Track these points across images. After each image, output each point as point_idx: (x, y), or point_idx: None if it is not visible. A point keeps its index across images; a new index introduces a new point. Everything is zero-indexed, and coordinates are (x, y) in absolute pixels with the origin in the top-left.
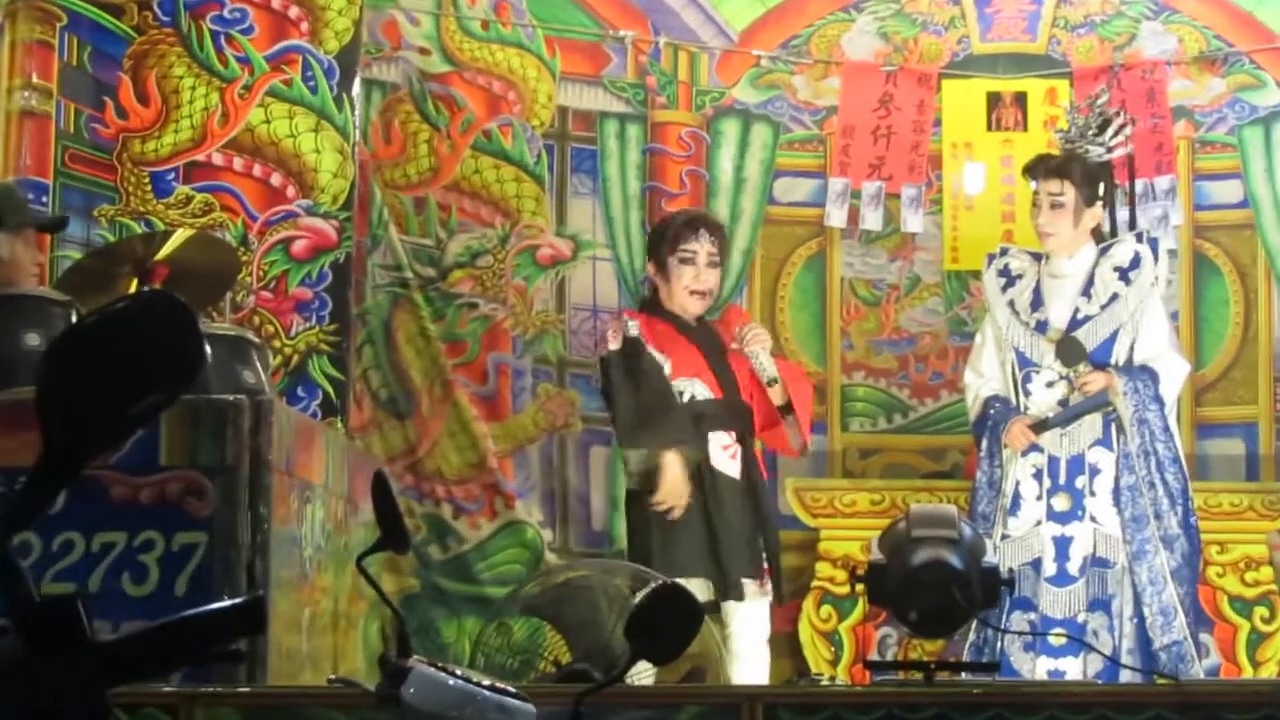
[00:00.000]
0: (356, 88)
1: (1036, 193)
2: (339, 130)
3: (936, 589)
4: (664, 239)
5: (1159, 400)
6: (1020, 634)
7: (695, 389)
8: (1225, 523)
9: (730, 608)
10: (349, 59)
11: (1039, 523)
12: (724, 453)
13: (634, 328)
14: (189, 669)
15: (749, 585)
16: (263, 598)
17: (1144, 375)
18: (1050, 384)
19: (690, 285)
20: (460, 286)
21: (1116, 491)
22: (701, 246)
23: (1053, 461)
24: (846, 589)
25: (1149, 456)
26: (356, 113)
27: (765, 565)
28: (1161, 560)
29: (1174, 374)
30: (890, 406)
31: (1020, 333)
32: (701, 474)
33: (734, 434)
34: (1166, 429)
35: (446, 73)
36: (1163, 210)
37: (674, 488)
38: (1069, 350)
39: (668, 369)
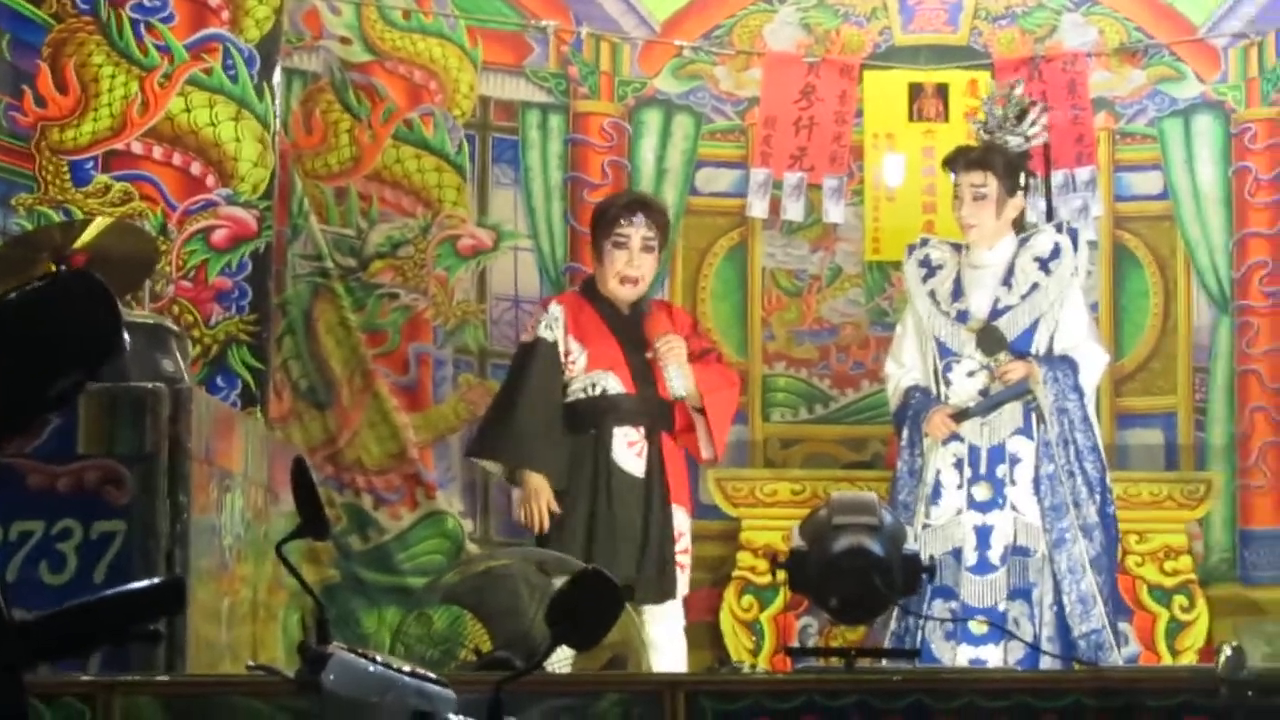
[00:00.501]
0: (277, 77)
1: (958, 185)
2: (259, 119)
3: (857, 576)
4: (601, 221)
5: (1078, 390)
6: (941, 621)
7: (608, 383)
8: (1145, 512)
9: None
10: (270, 48)
11: (960, 511)
12: (629, 449)
13: (557, 322)
14: (107, 654)
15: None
16: (181, 578)
17: (1064, 365)
18: (971, 373)
19: (621, 271)
20: (381, 277)
21: (1036, 480)
22: (636, 231)
23: (973, 451)
24: (768, 578)
25: (1068, 445)
26: (277, 102)
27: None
28: (1080, 549)
29: (1093, 364)
30: (811, 397)
31: (941, 322)
32: (598, 470)
33: (642, 429)
34: (1085, 418)
35: (368, 62)
36: (1083, 201)
37: (533, 509)
38: (989, 339)
39: (583, 361)
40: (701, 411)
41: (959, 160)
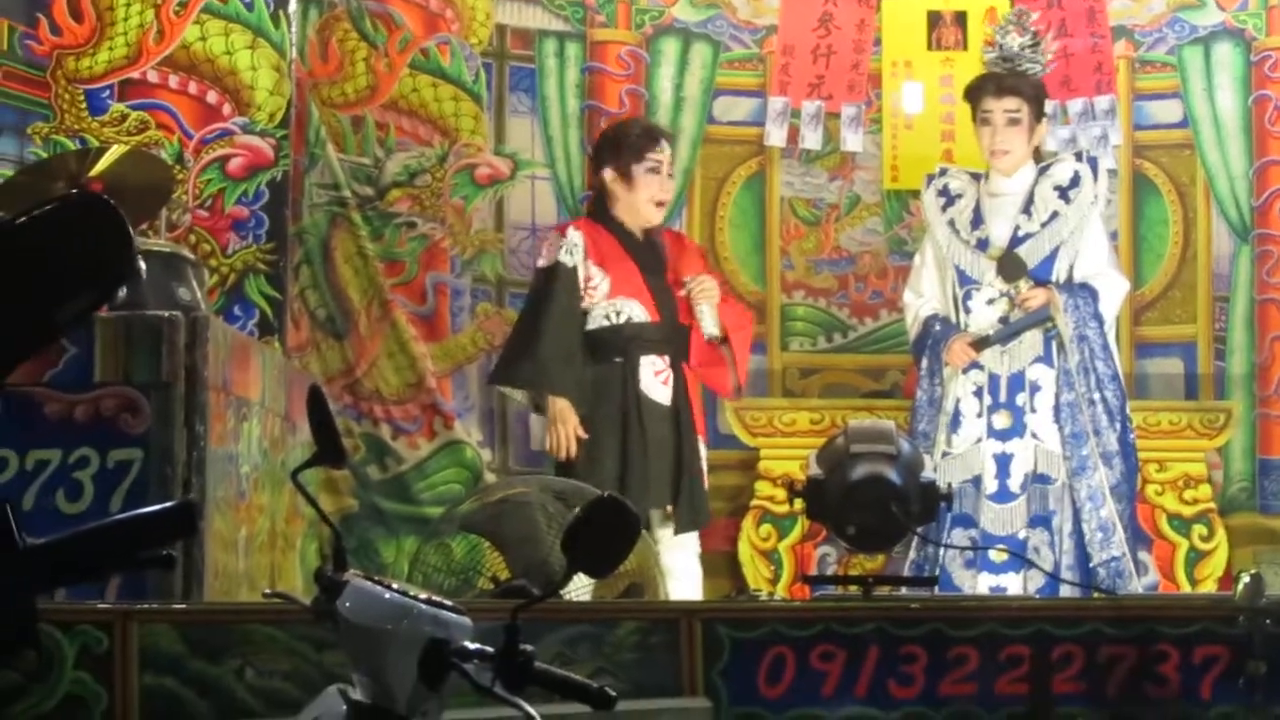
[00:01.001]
0: (293, 5)
1: (989, 111)
2: (275, 48)
3: (875, 504)
4: (624, 146)
5: (1098, 318)
6: (960, 549)
7: (632, 310)
8: (1164, 441)
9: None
10: None
11: (979, 440)
12: (655, 378)
13: (577, 248)
14: (125, 582)
15: (655, 515)
16: (194, 501)
17: (1084, 293)
18: (990, 301)
19: (656, 195)
20: (398, 206)
21: (1057, 408)
22: (664, 156)
23: (993, 379)
24: (786, 508)
25: (1089, 373)
26: (293, 30)
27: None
28: (1100, 477)
29: (1113, 292)
30: (830, 326)
31: (960, 250)
32: (626, 399)
33: (667, 359)
34: (1106, 346)
35: None
36: (1102, 130)
37: (562, 435)
38: (1010, 266)
39: (605, 287)
40: (724, 343)
41: (988, 86)
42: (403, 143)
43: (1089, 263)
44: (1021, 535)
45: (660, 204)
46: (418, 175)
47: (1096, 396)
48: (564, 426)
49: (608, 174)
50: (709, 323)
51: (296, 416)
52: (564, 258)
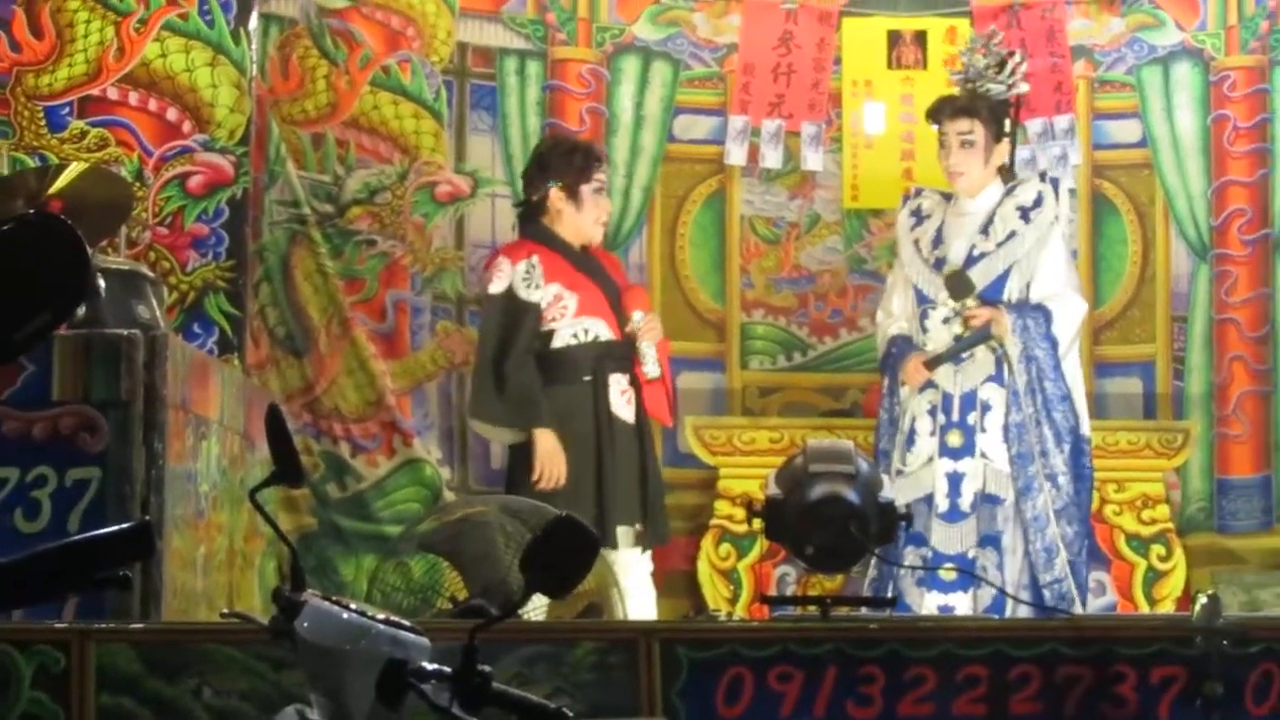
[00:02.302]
0: (254, 22)
1: (944, 133)
2: (236, 65)
3: (833, 524)
4: (571, 165)
5: (1050, 339)
6: (918, 569)
7: (599, 329)
8: (1122, 461)
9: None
10: None
11: (932, 458)
12: (621, 398)
13: (535, 270)
14: (82, 602)
15: (624, 533)
16: (150, 522)
17: (1036, 313)
18: (946, 320)
19: (601, 216)
20: (358, 223)
21: (1006, 428)
22: (604, 177)
23: (946, 398)
24: (745, 527)
25: (1036, 394)
26: (254, 47)
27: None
28: (1046, 498)
29: (1070, 313)
30: (790, 344)
31: (919, 269)
32: (599, 418)
33: (628, 377)
34: (1057, 367)
35: (345, 8)
36: (1061, 149)
37: (552, 468)
38: (957, 284)
39: (573, 306)
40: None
41: (944, 109)
42: (363, 160)
43: (1047, 283)
44: (971, 554)
45: (603, 224)
46: (378, 193)
47: (1044, 417)
48: (552, 461)
49: (554, 192)
50: (651, 365)
51: (255, 434)
52: (523, 289)
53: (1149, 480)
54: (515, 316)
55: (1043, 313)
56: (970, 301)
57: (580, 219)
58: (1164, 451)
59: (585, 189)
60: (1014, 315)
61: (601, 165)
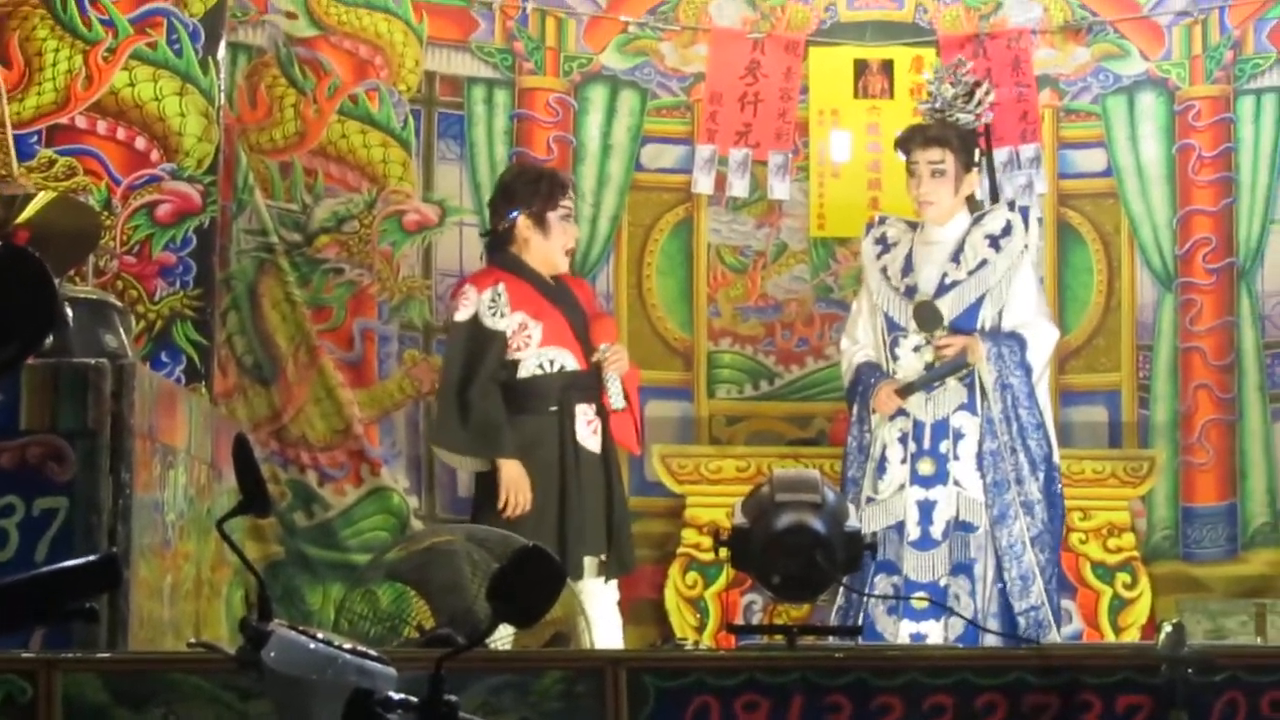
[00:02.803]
0: (222, 51)
1: (914, 162)
2: (204, 94)
3: (799, 553)
4: (538, 193)
5: (1024, 366)
6: (884, 598)
7: (565, 359)
8: (1088, 489)
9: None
10: (214, 22)
11: (903, 486)
12: (587, 427)
13: (500, 298)
14: (49, 631)
15: (589, 562)
16: (116, 554)
17: (1010, 341)
18: (917, 348)
19: (568, 244)
20: (326, 252)
21: (980, 456)
22: (572, 204)
23: (918, 426)
24: (712, 555)
25: (1011, 422)
26: (222, 76)
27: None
28: (1021, 526)
29: (1042, 341)
30: (757, 373)
31: (889, 297)
32: (564, 449)
33: (594, 406)
34: (1031, 395)
35: (313, 37)
36: (1027, 178)
37: (517, 496)
38: (925, 315)
39: (538, 335)
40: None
41: (915, 138)
42: (331, 189)
43: (1018, 311)
44: (943, 583)
45: (570, 252)
46: (346, 221)
47: (1020, 445)
48: (517, 490)
49: (522, 220)
50: (616, 394)
51: (223, 463)
52: (488, 317)
53: (1114, 509)
54: (480, 344)
55: (1017, 340)
56: (940, 331)
57: (548, 246)
58: (1129, 480)
59: (552, 216)
60: (989, 343)
61: (568, 192)
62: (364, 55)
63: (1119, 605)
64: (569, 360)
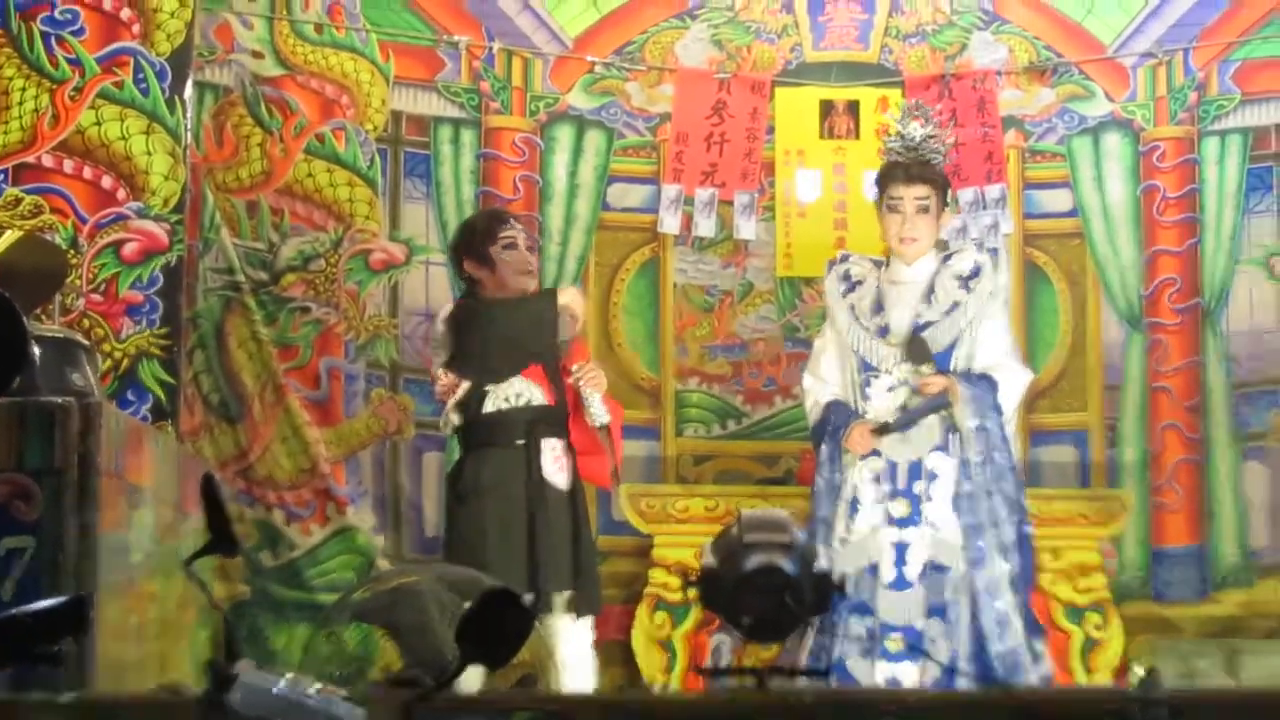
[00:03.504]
0: (188, 90)
1: (897, 199)
2: (170, 133)
3: (769, 594)
4: (475, 234)
5: (997, 409)
6: (857, 638)
7: (533, 393)
8: (1057, 529)
9: (547, 621)
10: (181, 61)
11: (877, 527)
12: (555, 464)
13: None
14: (12, 672)
15: (555, 600)
16: (85, 597)
17: (983, 383)
18: (891, 388)
19: (522, 267)
20: (292, 290)
21: (956, 498)
22: (518, 233)
23: (891, 466)
24: (680, 596)
25: (987, 464)
26: (188, 115)
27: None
28: (998, 568)
29: (1014, 383)
30: (724, 412)
31: (861, 337)
32: (531, 484)
33: (562, 442)
34: (1004, 437)
35: (279, 76)
36: (993, 218)
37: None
38: (915, 350)
39: None
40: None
41: (897, 173)
42: (297, 228)
43: (989, 353)
44: (919, 625)
45: (527, 272)
46: (312, 260)
47: (995, 488)
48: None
49: (468, 266)
50: (598, 410)
51: (189, 503)
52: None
53: (1084, 549)
54: (473, 317)
55: (989, 383)
56: (925, 368)
57: (500, 277)
58: (1099, 520)
59: (493, 250)
60: (964, 385)
61: (507, 222)
62: (330, 94)
63: (1090, 646)
64: (536, 394)
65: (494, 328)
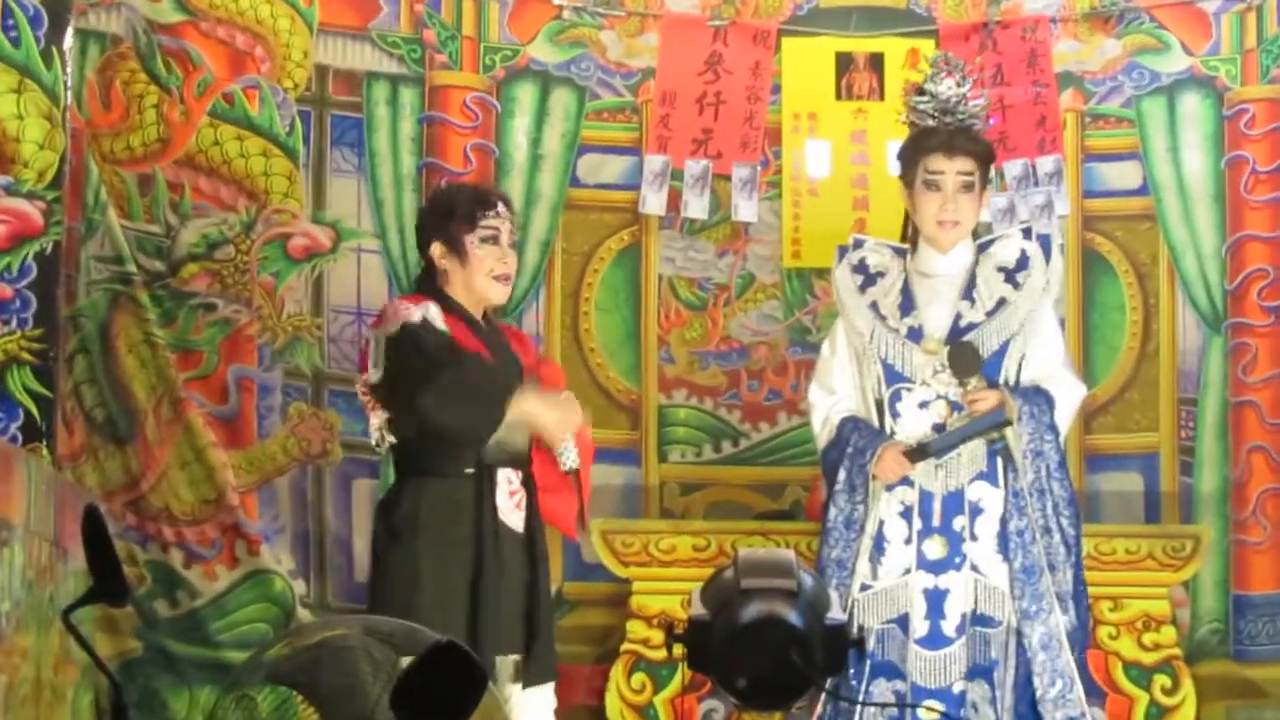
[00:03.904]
0: (69, 40)
1: (938, 173)
2: (47, 92)
3: (770, 651)
4: (454, 215)
5: (1054, 429)
6: (882, 706)
7: None
8: (1120, 574)
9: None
10: (59, 6)
11: (908, 571)
12: (510, 499)
13: (435, 316)
14: None
15: (501, 663)
16: None
17: (1039, 398)
18: (924, 404)
19: (495, 269)
20: (195, 284)
21: (1004, 536)
22: (503, 225)
23: (925, 497)
24: (663, 654)
25: (1044, 495)
26: (69, 71)
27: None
28: (1057, 620)
29: (1069, 399)
30: (718, 432)
31: (888, 341)
32: (481, 521)
33: (520, 474)
34: (1062, 464)
35: (180, 23)
36: (1046, 197)
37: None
38: (963, 358)
39: None
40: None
41: (934, 145)
42: (200, 207)
43: (1040, 363)
44: (957, 689)
45: (501, 278)
46: (218, 247)
47: (1054, 524)
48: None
49: (436, 249)
50: (569, 455)
51: (68, 541)
52: (438, 321)
53: (1151, 597)
54: (438, 343)
55: (1045, 398)
56: (973, 380)
57: (468, 276)
58: (1169, 562)
59: (469, 239)
60: (1020, 400)
61: (493, 209)
62: (242, 46)
63: (1157, 714)
64: None
65: (452, 388)
